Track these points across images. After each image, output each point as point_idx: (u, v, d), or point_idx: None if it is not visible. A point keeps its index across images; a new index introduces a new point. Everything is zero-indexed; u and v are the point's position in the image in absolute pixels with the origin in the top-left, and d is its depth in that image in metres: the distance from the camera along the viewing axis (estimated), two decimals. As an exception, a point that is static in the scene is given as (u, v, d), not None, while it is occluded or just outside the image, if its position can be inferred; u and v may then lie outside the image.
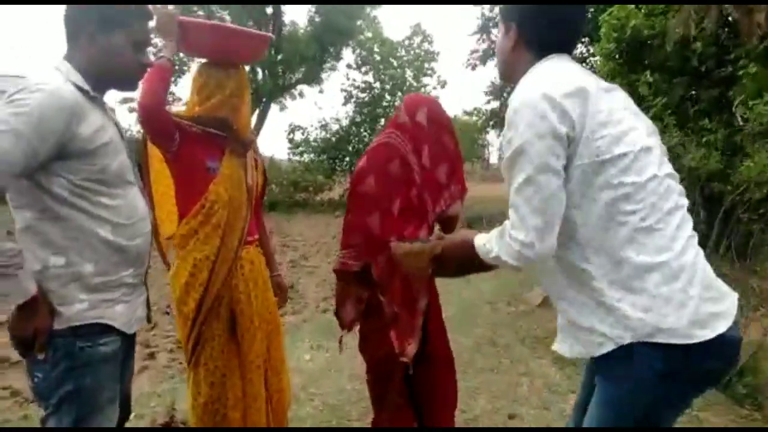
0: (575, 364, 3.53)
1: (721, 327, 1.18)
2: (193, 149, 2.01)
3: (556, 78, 1.25)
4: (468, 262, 1.42)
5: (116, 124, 1.54)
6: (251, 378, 2.09)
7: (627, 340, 1.21)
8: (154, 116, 1.89)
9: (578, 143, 1.21)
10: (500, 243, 1.27)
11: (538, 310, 5.04)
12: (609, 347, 1.24)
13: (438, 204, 2.09)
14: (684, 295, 1.18)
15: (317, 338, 4.13)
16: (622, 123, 1.25)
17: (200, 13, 17.05)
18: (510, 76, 1.44)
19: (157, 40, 2.11)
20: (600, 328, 1.24)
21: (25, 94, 1.27)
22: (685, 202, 1.32)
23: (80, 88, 1.41)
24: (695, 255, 1.24)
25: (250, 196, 2.13)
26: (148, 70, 1.69)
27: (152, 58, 1.70)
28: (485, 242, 1.34)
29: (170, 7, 1.96)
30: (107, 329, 1.45)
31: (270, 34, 2.26)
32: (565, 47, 1.37)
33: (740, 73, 5.53)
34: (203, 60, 2.14)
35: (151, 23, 1.62)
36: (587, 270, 1.25)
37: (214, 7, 17.74)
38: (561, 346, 1.39)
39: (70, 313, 1.38)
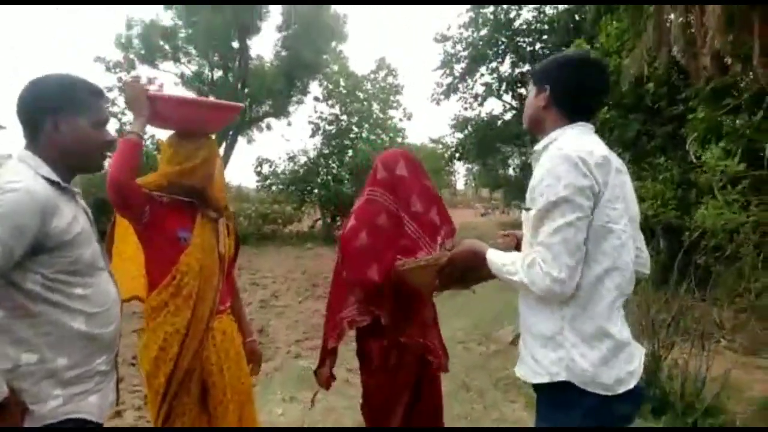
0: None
1: (633, 382, 1.46)
2: (164, 219, 2.01)
3: (589, 147, 1.46)
4: (474, 272, 1.59)
5: (85, 211, 1.54)
6: None
7: (561, 378, 1.45)
8: (124, 191, 1.88)
9: (596, 206, 1.43)
10: (529, 272, 1.42)
11: (510, 349, 5.09)
12: (544, 379, 1.48)
13: (436, 243, 2.18)
14: (617, 360, 1.44)
15: (290, 389, 4.07)
16: (627, 203, 1.52)
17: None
18: (537, 130, 1.65)
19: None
20: (542, 362, 1.48)
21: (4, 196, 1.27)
22: None
23: (51, 181, 1.41)
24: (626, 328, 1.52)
25: (222, 263, 2.12)
26: (118, 144, 1.71)
27: (114, 134, 1.70)
28: (506, 263, 1.49)
29: (144, 80, 1.97)
30: (83, 423, 1.43)
31: (239, 104, 2.30)
32: (590, 112, 1.62)
33: (690, 117, 5.80)
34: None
35: (106, 101, 1.63)
36: (563, 310, 1.46)
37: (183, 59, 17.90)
38: (518, 369, 1.63)
39: (44, 411, 1.36)
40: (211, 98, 18.85)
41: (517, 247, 1.74)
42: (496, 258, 1.53)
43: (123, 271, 2.11)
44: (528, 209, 1.51)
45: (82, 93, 1.50)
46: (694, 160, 5.63)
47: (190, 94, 19.49)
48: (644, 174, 6.08)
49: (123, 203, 1.93)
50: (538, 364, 1.50)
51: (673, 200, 4.55)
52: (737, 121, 5.52)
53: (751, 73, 5.60)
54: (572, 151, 1.42)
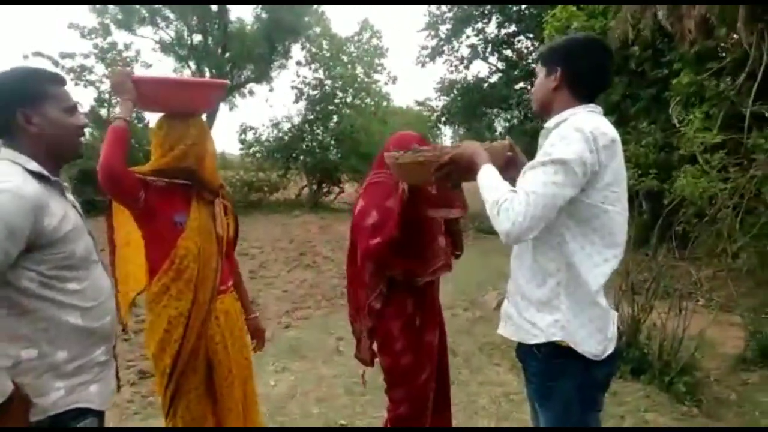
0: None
1: (613, 347, 1.61)
2: (160, 204, 2.01)
3: (603, 128, 1.52)
4: (468, 176, 1.64)
5: (74, 206, 1.54)
6: (230, 424, 2.13)
7: (557, 338, 1.56)
8: (116, 179, 1.87)
9: (592, 185, 1.50)
10: (501, 207, 1.46)
11: (494, 315, 5.21)
12: (540, 340, 1.59)
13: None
14: (603, 327, 1.59)
15: (281, 360, 4.16)
16: (623, 184, 1.58)
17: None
18: (547, 111, 1.70)
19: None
20: (540, 324, 1.59)
21: None
22: None
23: (40, 177, 1.41)
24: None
25: (220, 245, 2.13)
26: (107, 131, 1.73)
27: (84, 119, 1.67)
28: (491, 186, 1.52)
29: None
30: (85, 411, 1.47)
31: (226, 81, 2.28)
32: (598, 91, 1.69)
33: (674, 81, 5.82)
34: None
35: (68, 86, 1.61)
36: (558, 277, 1.57)
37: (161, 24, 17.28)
38: (504, 330, 1.75)
39: (48, 403, 1.39)
40: (192, 76, 18.48)
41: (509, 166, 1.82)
42: (485, 176, 1.55)
43: (133, 260, 2.16)
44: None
45: (44, 82, 1.48)
46: (677, 124, 5.70)
47: (178, 75, 19.08)
48: (628, 138, 6.14)
49: (117, 190, 1.93)
50: (535, 326, 1.60)
51: (654, 166, 4.62)
52: (720, 85, 5.56)
53: (735, 36, 5.61)
54: (586, 126, 1.49)
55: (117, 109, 1.93)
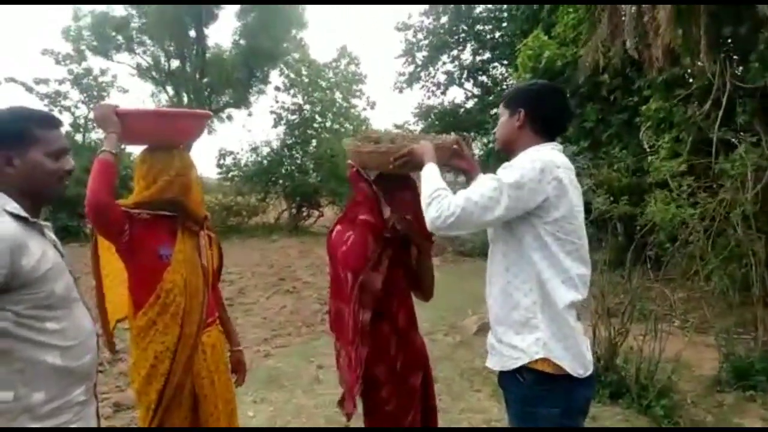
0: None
1: (591, 368, 1.67)
2: (144, 237, 1.98)
3: (557, 162, 1.63)
4: (417, 169, 1.82)
5: (55, 245, 1.52)
6: None
7: (540, 356, 1.60)
8: (103, 211, 1.85)
9: (546, 213, 1.60)
10: (437, 197, 1.63)
11: (474, 339, 5.23)
12: (523, 362, 1.62)
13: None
14: (580, 347, 1.65)
15: (260, 390, 4.08)
16: (579, 219, 1.67)
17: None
18: (511, 149, 1.80)
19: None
20: (521, 346, 1.62)
21: None
22: None
23: (19, 217, 1.39)
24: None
25: (206, 277, 2.10)
26: (93, 164, 1.74)
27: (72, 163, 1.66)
28: (431, 182, 1.69)
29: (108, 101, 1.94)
30: None
31: (209, 112, 2.29)
32: (558, 131, 1.82)
33: (643, 107, 6.01)
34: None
35: (62, 130, 1.59)
36: (532, 297, 1.63)
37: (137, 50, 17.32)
38: (489, 362, 1.78)
39: None
40: (170, 101, 18.41)
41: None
42: (429, 172, 1.74)
43: (116, 291, 2.15)
44: None
45: (33, 125, 1.46)
46: (647, 149, 5.86)
47: (155, 101, 18.98)
48: (600, 162, 6.30)
49: (103, 224, 1.90)
50: (516, 349, 1.63)
51: (626, 190, 4.75)
52: (687, 111, 5.76)
53: (699, 63, 5.84)
54: (543, 158, 1.61)
55: (105, 143, 1.89)
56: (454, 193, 1.66)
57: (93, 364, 1.55)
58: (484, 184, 1.61)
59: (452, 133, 2.13)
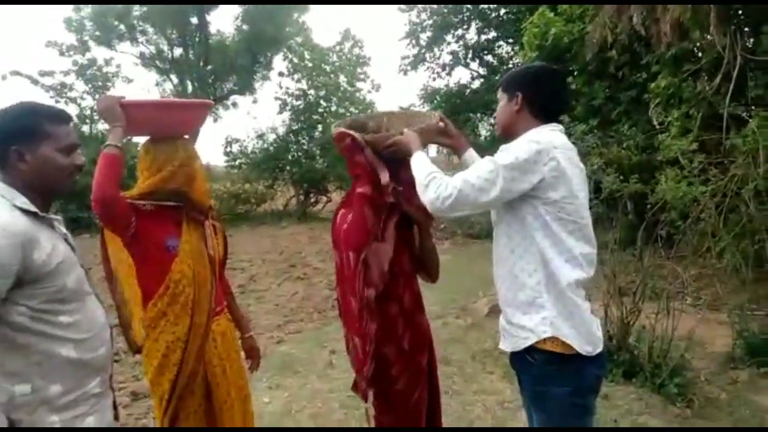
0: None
1: (601, 346, 1.68)
2: (150, 229, 2.00)
3: (555, 143, 1.65)
4: (406, 156, 1.86)
5: (66, 238, 1.54)
6: None
7: (548, 335, 1.63)
8: (110, 205, 1.86)
9: (545, 193, 1.62)
10: (434, 179, 1.68)
11: (485, 321, 5.24)
12: (532, 341, 1.65)
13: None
14: (588, 326, 1.67)
15: (275, 376, 4.13)
16: (580, 198, 1.68)
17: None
18: (511, 132, 1.81)
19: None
20: (529, 325, 1.66)
21: None
22: None
23: (28, 212, 1.41)
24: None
25: (213, 267, 2.13)
26: (99, 158, 1.77)
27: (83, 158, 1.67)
28: (422, 168, 1.75)
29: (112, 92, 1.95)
30: None
31: (209, 101, 2.29)
32: (557, 113, 1.83)
33: (652, 84, 5.91)
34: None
35: (71, 124, 1.61)
36: (537, 276, 1.66)
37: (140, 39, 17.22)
38: (502, 344, 1.83)
39: None
40: (175, 89, 18.38)
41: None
42: (417, 160, 1.80)
43: (128, 283, 2.14)
44: None
45: (43, 121, 1.48)
46: (657, 126, 5.79)
47: (160, 90, 18.96)
48: (610, 140, 6.22)
49: (110, 217, 1.91)
50: (524, 329, 1.67)
51: (636, 168, 4.70)
52: (697, 86, 5.66)
53: (708, 37, 5.73)
54: (542, 139, 1.64)
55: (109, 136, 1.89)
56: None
57: (107, 356, 1.58)
58: (481, 167, 1.65)
59: (438, 112, 2.22)
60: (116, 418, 1.70)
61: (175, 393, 2.00)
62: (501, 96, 1.87)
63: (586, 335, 1.64)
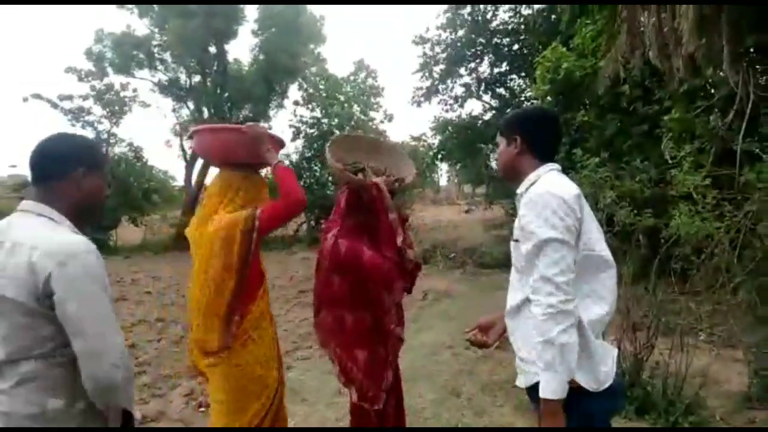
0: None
1: (611, 380, 1.71)
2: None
3: (567, 187, 1.72)
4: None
5: None
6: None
7: None
8: (300, 211, 2.45)
9: (579, 235, 1.68)
10: (541, 310, 1.61)
11: (496, 353, 5.18)
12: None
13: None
14: (599, 360, 1.70)
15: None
16: (593, 231, 1.74)
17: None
18: (514, 174, 1.90)
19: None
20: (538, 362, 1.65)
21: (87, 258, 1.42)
22: None
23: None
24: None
25: None
26: (288, 172, 2.34)
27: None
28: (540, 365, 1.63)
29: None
30: None
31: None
32: (555, 152, 1.91)
33: (665, 117, 5.94)
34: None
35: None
36: None
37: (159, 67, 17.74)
38: (518, 380, 1.86)
39: None
40: (191, 116, 18.78)
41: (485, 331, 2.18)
42: (542, 381, 1.63)
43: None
44: (516, 240, 1.80)
45: (102, 154, 1.69)
46: (669, 161, 5.78)
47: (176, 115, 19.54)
48: (622, 173, 6.21)
49: (285, 222, 2.45)
50: (534, 364, 1.68)
51: (650, 202, 4.69)
52: (710, 122, 5.67)
53: (721, 73, 5.77)
54: (555, 191, 1.67)
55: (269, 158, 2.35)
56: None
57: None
58: (544, 256, 1.62)
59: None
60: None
61: (280, 385, 2.41)
62: (500, 140, 1.95)
63: (589, 371, 1.68)
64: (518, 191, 1.86)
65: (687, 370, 3.56)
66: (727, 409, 3.84)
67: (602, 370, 1.70)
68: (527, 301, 1.72)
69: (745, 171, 4.66)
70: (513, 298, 1.85)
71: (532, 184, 1.79)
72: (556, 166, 1.84)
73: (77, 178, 1.52)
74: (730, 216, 3.79)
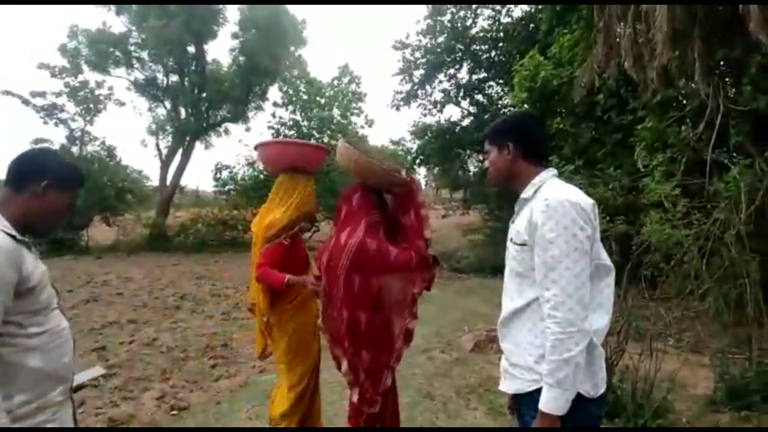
0: (505, 414, 3.70)
1: (602, 388, 1.70)
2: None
3: (583, 197, 1.68)
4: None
5: (37, 258, 1.61)
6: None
7: None
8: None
9: (592, 244, 1.65)
10: (557, 330, 1.57)
11: (471, 356, 5.22)
12: (538, 385, 1.64)
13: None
14: (596, 366, 1.69)
15: (256, 407, 4.05)
16: (599, 239, 1.72)
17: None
18: (511, 182, 1.87)
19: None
20: (539, 370, 1.65)
21: None
22: None
23: (8, 234, 1.47)
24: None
25: None
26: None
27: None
28: (551, 375, 1.59)
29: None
30: None
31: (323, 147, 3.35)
32: (547, 154, 1.93)
33: (639, 126, 6.07)
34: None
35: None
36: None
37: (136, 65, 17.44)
38: (503, 385, 1.83)
39: None
40: (168, 114, 18.55)
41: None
42: (548, 396, 1.60)
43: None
44: (522, 244, 1.73)
45: (76, 178, 1.69)
46: (642, 169, 5.90)
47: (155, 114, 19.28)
48: (596, 181, 6.33)
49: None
50: (532, 371, 1.68)
51: (622, 209, 4.79)
52: (681, 132, 5.82)
53: (692, 85, 5.93)
54: (573, 199, 1.63)
55: None
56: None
57: (70, 366, 1.65)
58: (558, 267, 1.59)
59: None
60: (75, 423, 1.73)
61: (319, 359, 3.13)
62: (489, 149, 1.91)
63: (590, 379, 1.67)
64: (523, 195, 1.80)
65: (656, 374, 3.63)
66: (694, 413, 3.93)
67: (600, 376, 1.70)
68: (527, 306, 1.71)
69: (714, 180, 4.80)
70: (511, 304, 1.79)
71: (538, 189, 1.75)
72: (554, 171, 1.83)
73: (35, 189, 1.56)
74: (699, 224, 3.90)
